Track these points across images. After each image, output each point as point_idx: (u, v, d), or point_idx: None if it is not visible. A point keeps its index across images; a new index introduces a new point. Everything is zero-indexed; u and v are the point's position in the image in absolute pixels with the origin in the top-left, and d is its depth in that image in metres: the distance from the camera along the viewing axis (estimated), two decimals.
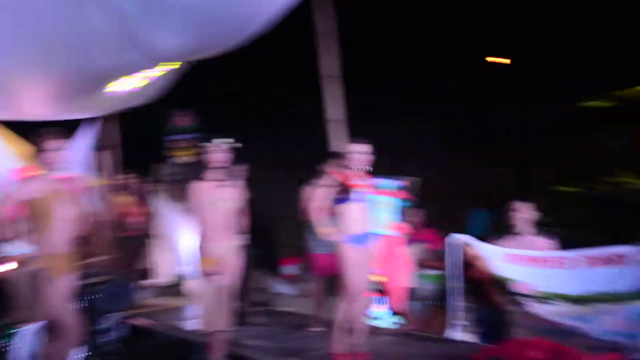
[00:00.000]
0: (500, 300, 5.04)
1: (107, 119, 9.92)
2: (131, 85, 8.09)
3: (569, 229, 9.42)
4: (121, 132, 10.60)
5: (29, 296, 3.92)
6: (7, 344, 5.14)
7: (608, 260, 4.64)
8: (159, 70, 7.70)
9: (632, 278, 4.52)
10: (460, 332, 5.26)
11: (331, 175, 4.84)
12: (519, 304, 4.86)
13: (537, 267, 4.80)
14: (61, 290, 4.12)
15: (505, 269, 4.87)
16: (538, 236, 5.10)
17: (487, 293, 5.14)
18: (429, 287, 5.86)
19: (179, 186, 9.64)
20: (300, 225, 10.75)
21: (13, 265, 4.26)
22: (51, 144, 4.23)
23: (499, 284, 4.95)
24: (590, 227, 9.62)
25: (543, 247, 5.03)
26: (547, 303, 4.74)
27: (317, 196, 4.78)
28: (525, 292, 4.80)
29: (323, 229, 4.72)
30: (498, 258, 4.92)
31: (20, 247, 4.13)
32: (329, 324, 5.54)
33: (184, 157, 9.86)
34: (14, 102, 8.43)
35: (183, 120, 10.00)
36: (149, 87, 8.42)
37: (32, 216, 4.20)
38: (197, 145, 10.20)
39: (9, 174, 8.69)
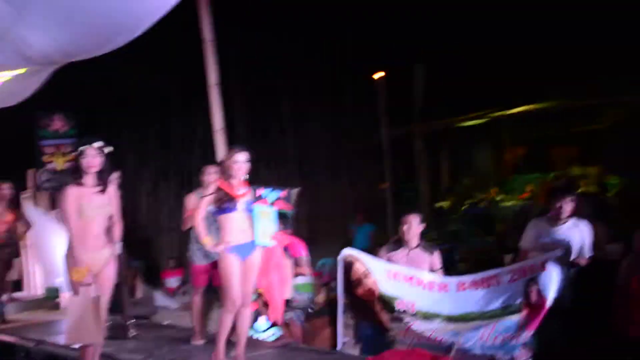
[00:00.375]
0: (383, 318, 5.15)
1: None
2: None
3: (446, 241, 10.01)
4: None
5: None
6: None
7: (485, 282, 5.01)
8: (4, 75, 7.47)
9: (502, 296, 4.90)
10: (345, 347, 5.31)
11: (214, 184, 4.76)
12: (400, 320, 5.05)
13: (421, 288, 5.05)
14: None
15: (390, 286, 5.05)
16: (424, 248, 5.31)
17: (371, 310, 5.21)
18: (302, 296, 5.87)
19: (52, 193, 9.43)
20: (183, 236, 10.61)
21: None
22: None
23: (384, 302, 5.10)
24: (466, 239, 10.19)
25: (429, 259, 5.27)
26: (427, 320, 4.99)
27: (200, 206, 4.68)
28: (407, 310, 5.02)
29: (205, 239, 4.62)
30: (384, 275, 5.08)
31: None
32: (210, 337, 5.50)
33: (58, 162, 9.54)
34: None
35: (58, 124, 9.66)
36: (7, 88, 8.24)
37: None
38: (72, 150, 9.98)
39: None
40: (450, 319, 4.99)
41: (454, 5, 11.57)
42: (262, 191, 5.51)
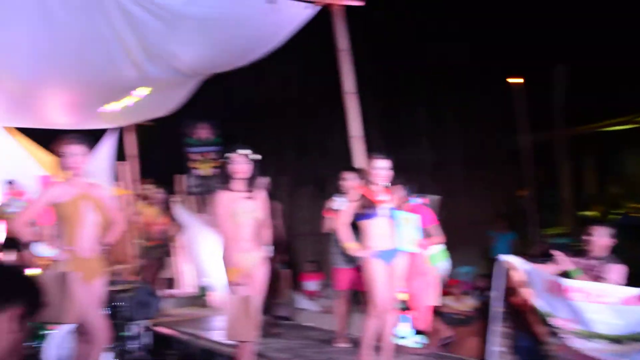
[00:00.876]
0: (540, 331, 4.93)
1: (125, 130, 10.23)
2: (123, 103, 8.34)
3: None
4: (139, 144, 10.85)
5: (58, 298, 3.84)
6: (38, 345, 5.27)
7: None
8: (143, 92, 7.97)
9: None
10: (497, 357, 5.10)
11: (356, 190, 4.83)
12: (557, 335, 4.70)
13: (582, 300, 4.53)
14: (90, 294, 4.16)
15: (547, 300, 4.67)
16: (610, 262, 4.83)
17: (527, 321, 5.05)
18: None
19: (199, 197, 9.89)
20: (322, 240, 10.82)
21: (43, 266, 4.31)
22: (74, 148, 4.20)
23: (539, 315, 4.79)
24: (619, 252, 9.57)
25: (614, 273, 4.76)
26: (586, 339, 4.56)
27: (342, 211, 4.77)
28: (565, 327, 4.61)
29: (349, 244, 4.71)
30: (541, 286, 4.70)
31: (49, 250, 4.18)
32: (353, 341, 5.65)
33: (204, 169, 10.06)
34: (37, 112, 8.72)
35: (203, 132, 10.18)
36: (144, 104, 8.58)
37: (58, 220, 4.24)
38: (217, 157, 10.55)
39: (33, 181, 8.92)
40: (609, 338, 4.51)
41: (597, 3, 11.04)
42: (404, 198, 5.69)
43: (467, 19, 11.25)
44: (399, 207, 4.86)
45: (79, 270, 4.07)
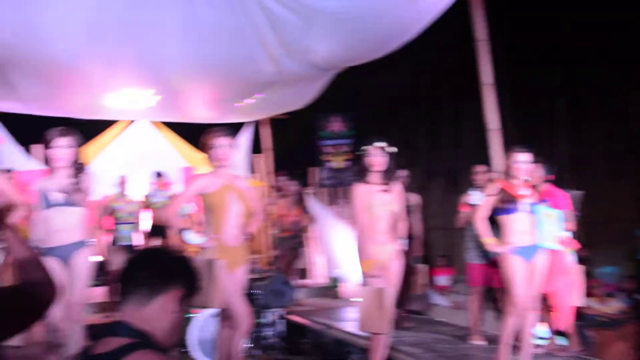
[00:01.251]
0: None
1: (260, 124, 10.56)
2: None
3: None
4: (274, 136, 11.18)
5: (206, 284, 3.97)
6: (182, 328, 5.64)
7: None
8: None
9: None
10: None
11: (495, 184, 4.71)
12: None
13: None
14: (234, 282, 4.31)
15: None
16: None
17: None
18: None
19: (332, 190, 10.14)
20: (453, 234, 10.63)
21: (191, 253, 4.54)
22: (221, 140, 4.33)
23: None
24: None
25: None
26: None
27: (480, 205, 4.68)
28: None
29: (487, 239, 4.61)
30: None
31: (198, 238, 4.36)
32: (488, 338, 5.56)
33: (336, 161, 10.20)
34: (181, 107, 9.20)
35: (336, 125, 10.31)
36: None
37: (206, 210, 4.39)
38: (349, 150, 10.68)
39: (177, 172, 9.49)
40: None
41: None
42: (545, 192, 5.45)
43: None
44: (536, 189, 4.74)
45: (224, 258, 4.23)
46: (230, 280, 4.28)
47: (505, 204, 4.53)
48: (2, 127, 8.95)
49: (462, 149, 11.08)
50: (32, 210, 5.16)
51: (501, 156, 6.23)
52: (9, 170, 7.58)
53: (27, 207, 4.81)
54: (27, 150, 9.47)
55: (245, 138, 10.31)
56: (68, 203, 4.34)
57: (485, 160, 6.86)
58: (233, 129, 9.57)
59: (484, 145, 6.74)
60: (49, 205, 4.34)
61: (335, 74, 8.52)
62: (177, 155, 10.13)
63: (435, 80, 11.34)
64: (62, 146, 4.38)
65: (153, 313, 1.73)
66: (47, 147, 4.34)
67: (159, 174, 8.70)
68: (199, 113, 9.45)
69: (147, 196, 8.58)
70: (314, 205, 9.31)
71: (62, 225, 4.31)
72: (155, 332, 1.72)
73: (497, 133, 6.50)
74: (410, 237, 6.33)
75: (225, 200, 4.31)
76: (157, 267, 1.79)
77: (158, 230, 8.02)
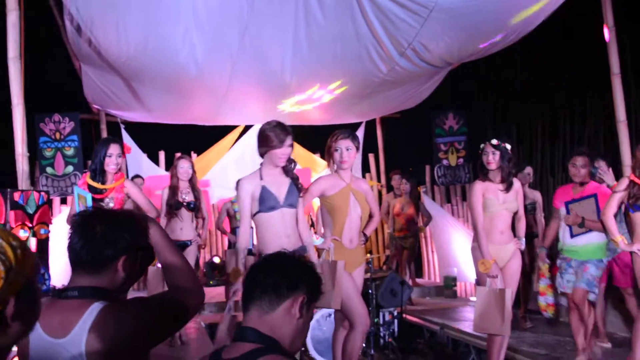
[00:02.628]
0: None
1: (373, 123, 10.61)
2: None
3: None
4: (386, 135, 11.17)
5: (326, 285, 4.03)
6: None
7: None
8: None
9: None
10: None
11: (626, 179, 4.43)
12: None
13: None
14: (353, 282, 4.34)
15: None
16: None
17: None
18: None
19: (447, 188, 9.98)
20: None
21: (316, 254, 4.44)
22: (344, 142, 4.31)
23: None
24: None
25: None
26: None
27: (610, 201, 4.44)
28: None
29: (617, 237, 4.39)
30: None
31: (318, 240, 4.44)
32: (614, 341, 5.34)
33: (451, 159, 10.04)
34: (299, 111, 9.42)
35: (451, 122, 10.14)
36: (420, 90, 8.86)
37: (327, 211, 4.41)
38: (464, 147, 10.51)
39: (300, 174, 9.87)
40: None
41: None
42: None
43: None
44: None
45: (344, 259, 4.26)
46: (349, 281, 4.30)
47: (638, 199, 4.30)
48: (128, 136, 9.39)
49: (583, 144, 10.60)
50: (159, 214, 5.48)
51: (628, 149, 6.09)
52: (137, 177, 8.10)
53: (156, 212, 5.12)
54: (152, 156, 10.09)
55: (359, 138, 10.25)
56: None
57: (613, 152, 6.50)
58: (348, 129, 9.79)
59: (606, 137, 6.43)
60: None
61: (449, 70, 8.35)
62: (291, 158, 10.17)
63: (553, 73, 10.93)
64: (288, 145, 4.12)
65: (279, 319, 1.76)
66: (272, 147, 4.01)
67: None
68: (315, 115, 9.57)
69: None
70: (429, 203, 9.24)
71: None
72: (280, 337, 1.76)
73: (624, 125, 6.27)
74: (532, 235, 6.31)
75: (347, 203, 4.34)
76: (282, 273, 1.81)
77: None
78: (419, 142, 10.69)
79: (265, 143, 3.99)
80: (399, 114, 10.38)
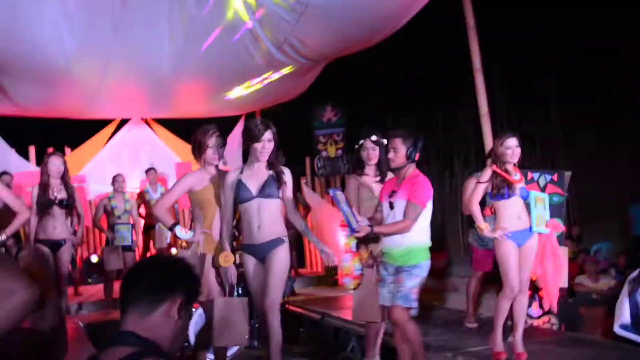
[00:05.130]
0: None
1: (250, 116, 10.34)
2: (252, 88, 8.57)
3: None
4: None
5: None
6: None
7: None
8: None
9: None
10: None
11: (489, 169, 4.62)
12: None
13: None
14: (224, 275, 4.25)
15: None
16: None
17: None
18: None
19: (327, 178, 10.14)
20: (448, 220, 10.46)
21: (182, 247, 4.52)
22: (212, 140, 4.31)
23: None
24: None
25: None
26: None
27: (475, 190, 4.61)
28: None
29: (482, 224, 4.56)
30: None
31: (187, 233, 4.30)
32: (482, 320, 5.61)
33: (331, 150, 10.18)
34: (173, 103, 9.18)
35: (329, 114, 10.27)
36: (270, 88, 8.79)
37: (195, 206, 4.42)
38: (342, 139, 10.67)
39: (170, 168, 9.39)
40: None
41: None
42: (534, 176, 5.42)
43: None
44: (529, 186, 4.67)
45: (213, 253, 4.24)
46: (220, 275, 4.26)
47: (501, 189, 4.48)
48: None
49: (455, 133, 11.10)
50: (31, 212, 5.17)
51: (491, 141, 6.26)
52: (5, 173, 7.59)
53: (27, 211, 4.85)
54: (22, 152, 9.53)
55: (239, 131, 9.78)
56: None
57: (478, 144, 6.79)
58: (227, 121, 9.52)
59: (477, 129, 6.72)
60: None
61: (326, 63, 8.49)
62: (171, 151, 10.09)
63: (427, 65, 11.30)
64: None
65: (157, 321, 1.73)
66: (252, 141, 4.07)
67: (149, 169, 8.58)
68: (192, 108, 9.44)
69: (141, 193, 8.57)
70: (309, 194, 9.34)
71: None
72: (159, 339, 1.73)
73: (487, 117, 6.54)
74: None
75: (214, 196, 4.32)
76: (159, 275, 1.79)
77: (151, 227, 8.14)
78: (299, 134, 10.74)
79: (247, 137, 4.12)
80: (279, 107, 10.30)
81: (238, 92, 8.91)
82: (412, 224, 4.04)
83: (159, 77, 7.76)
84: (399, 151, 4.13)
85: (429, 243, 4.18)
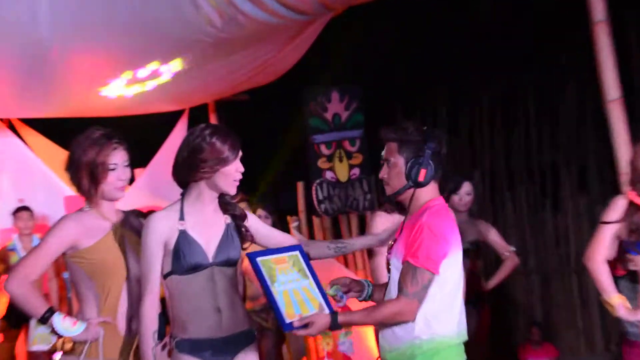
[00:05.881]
0: None
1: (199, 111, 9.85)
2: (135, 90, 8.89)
3: None
4: (229, 126, 11.31)
5: None
6: None
7: None
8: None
9: None
10: None
11: (622, 199, 4.53)
12: None
13: None
14: None
15: None
16: None
17: None
18: None
19: (333, 220, 9.18)
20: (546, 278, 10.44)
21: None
22: (111, 156, 4.42)
23: None
24: None
25: None
26: None
27: (600, 237, 4.48)
28: None
29: (613, 298, 4.49)
30: None
31: (75, 327, 4.54)
32: None
33: (339, 169, 9.96)
34: (58, 89, 8.78)
35: (333, 107, 9.97)
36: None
37: (82, 276, 4.58)
38: (359, 150, 10.08)
39: (58, 205, 9.44)
40: None
41: None
42: None
43: None
44: None
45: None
46: None
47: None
48: None
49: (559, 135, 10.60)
50: None
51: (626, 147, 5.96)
52: None
53: None
54: None
55: (176, 136, 9.65)
56: None
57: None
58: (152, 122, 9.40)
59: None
60: None
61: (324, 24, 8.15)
62: (56, 177, 9.22)
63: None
64: None
65: None
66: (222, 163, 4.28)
67: (21, 209, 8.15)
68: (90, 99, 8.97)
69: (3, 251, 8.11)
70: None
71: None
72: None
73: (618, 105, 6.48)
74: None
75: (118, 256, 4.14)
76: None
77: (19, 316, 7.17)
78: (284, 142, 10.28)
79: (207, 157, 3.88)
80: (246, 94, 9.49)
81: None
82: (412, 306, 3.47)
83: (31, 42, 7.09)
84: (394, 167, 3.72)
85: (460, 336, 3.61)
